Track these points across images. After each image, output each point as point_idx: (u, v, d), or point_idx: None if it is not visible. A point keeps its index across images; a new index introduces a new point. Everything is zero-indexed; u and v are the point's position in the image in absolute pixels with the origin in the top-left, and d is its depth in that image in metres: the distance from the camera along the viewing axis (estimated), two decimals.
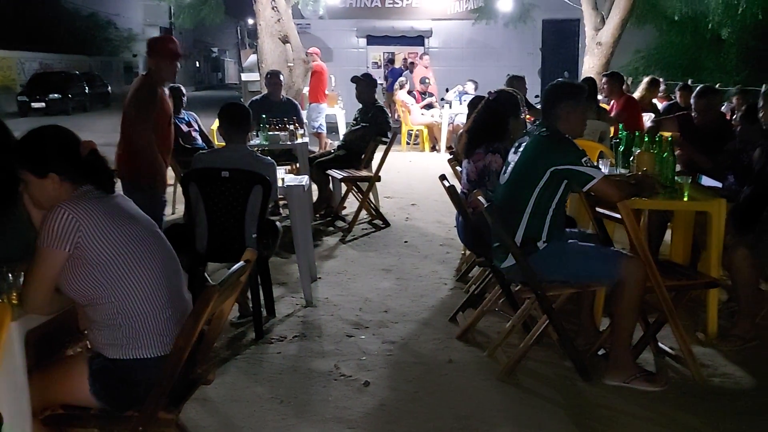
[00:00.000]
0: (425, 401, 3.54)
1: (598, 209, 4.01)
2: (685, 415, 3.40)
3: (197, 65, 54.36)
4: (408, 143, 13.99)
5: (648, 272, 3.57)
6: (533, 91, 9.47)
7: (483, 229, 4.02)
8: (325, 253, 6.32)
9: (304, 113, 9.52)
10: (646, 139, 4.42)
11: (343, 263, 6.01)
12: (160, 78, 4.90)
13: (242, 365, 3.97)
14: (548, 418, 3.39)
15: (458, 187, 4.73)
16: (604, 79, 8.19)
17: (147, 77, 4.94)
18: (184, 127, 7.69)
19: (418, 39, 20.74)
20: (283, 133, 7.23)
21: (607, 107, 7.81)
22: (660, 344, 4.00)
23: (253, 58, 16.16)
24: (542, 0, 18.40)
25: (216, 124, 7.35)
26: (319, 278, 5.51)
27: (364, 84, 7.71)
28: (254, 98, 8.44)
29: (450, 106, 13.35)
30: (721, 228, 4.14)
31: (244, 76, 17.51)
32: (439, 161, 5.94)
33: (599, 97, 7.87)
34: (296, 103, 8.38)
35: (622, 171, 4.58)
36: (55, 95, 25.41)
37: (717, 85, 13.58)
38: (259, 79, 12.70)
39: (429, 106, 14.18)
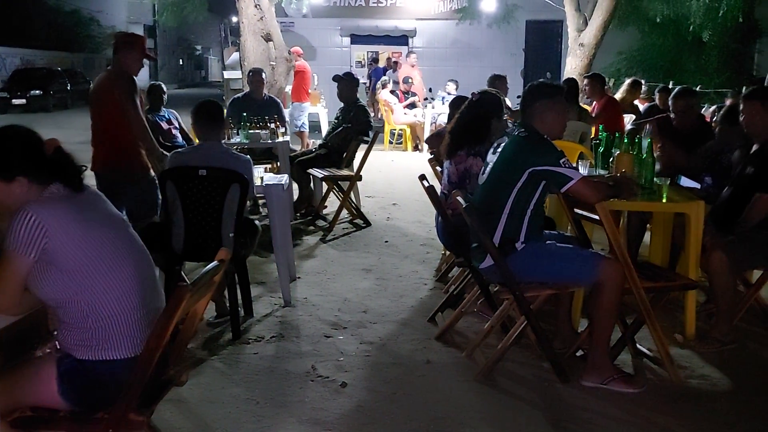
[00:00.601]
0: (402, 402, 3.51)
1: (576, 210, 4.00)
2: (663, 417, 3.40)
3: (180, 63, 53.96)
4: (391, 143, 13.98)
5: (626, 274, 3.57)
6: (516, 92, 9.45)
7: (462, 229, 4.01)
8: (305, 252, 6.29)
9: (286, 112, 9.48)
10: (626, 141, 4.42)
11: (323, 263, 5.97)
12: (127, 71, 4.92)
13: (218, 366, 3.93)
14: (525, 419, 3.37)
15: (438, 188, 4.71)
16: (585, 81, 8.23)
17: (115, 70, 4.93)
18: (164, 125, 7.63)
19: (402, 38, 20.76)
20: (263, 132, 7.19)
21: (589, 108, 7.84)
22: (638, 345, 4.00)
23: (235, 55, 16.06)
24: (526, 1, 18.47)
25: None
26: (299, 278, 5.48)
27: (345, 83, 7.69)
28: (236, 96, 8.40)
29: (433, 106, 13.37)
30: (699, 229, 4.15)
31: (227, 74, 17.43)
32: (422, 161, 5.93)
33: (581, 97, 7.90)
34: (278, 101, 8.33)
35: (602, 172, 4.59)
36: (36, 92, 25.10)
37: (698, 87, 13.74)
38: (241, 77, 12.63)
39: (412, 106, 14.17)
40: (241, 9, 12.06)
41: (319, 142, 8.77)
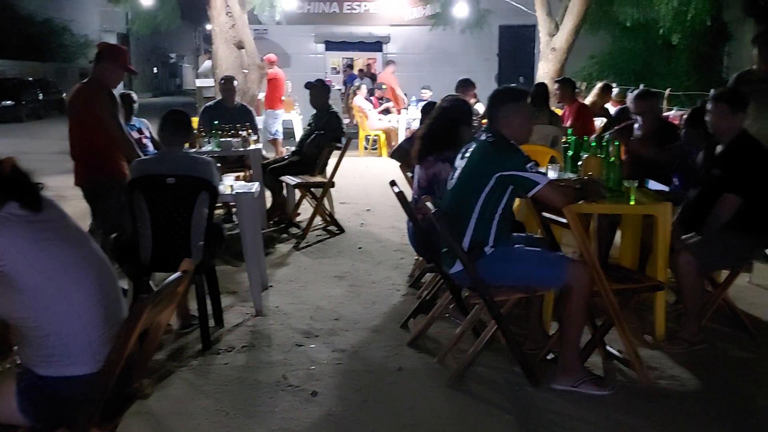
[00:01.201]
0: (373, 410, 3.50)
1: (545, 214, 4.02)
2: (633, 418, 3.42)
3: (155, 71, 53.62)
4: (366, 148, 13.97)
5: (594, 276, 3.58)
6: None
7: (432, 234, 4.00)
8: (277, 260, 6.25)
9: (259, 119, 9.44)
10: (593, 144, 4.45)
11: (296, 271, 5.94)
12: (106, 84, 4.87)
13: (188, 377, 3.88)
14: (496, 423, 3.37)
15: (409, 193, 4.71)
16: (556, 85, 8.29)
17: (94, 82, 4.89)
18: (135, 134, 7.54)
19: (376, 45, 20.79)
20: (235, 140, 7.15)
21: (560, 112, 7.89)
22: (608, 347, 4.01)
23: (207, 63, 15.98)
24: (499, 6, 18.54)
25: None
26: (271, 286, 5.44)
27: (317, 89, 7.67)
28: (208, 104, 8.36)
29: (407, 112, 13.41)
30: (667, 231, 4.18)
31: (199, 82, 17.34)
32: (396, 167, 5.92)
33: (552, 102, 7.95)
34: (250, 109, 8.29)
35: (570, 175, 4.61)
36: (8, 102, 24.85)
37: (668, 90, 13.89)
38: (213, 84, 12.58)
39: (386, 111, 14.18)
40: (213, 17, 12.04)
41: (293, 148, 8.75)
